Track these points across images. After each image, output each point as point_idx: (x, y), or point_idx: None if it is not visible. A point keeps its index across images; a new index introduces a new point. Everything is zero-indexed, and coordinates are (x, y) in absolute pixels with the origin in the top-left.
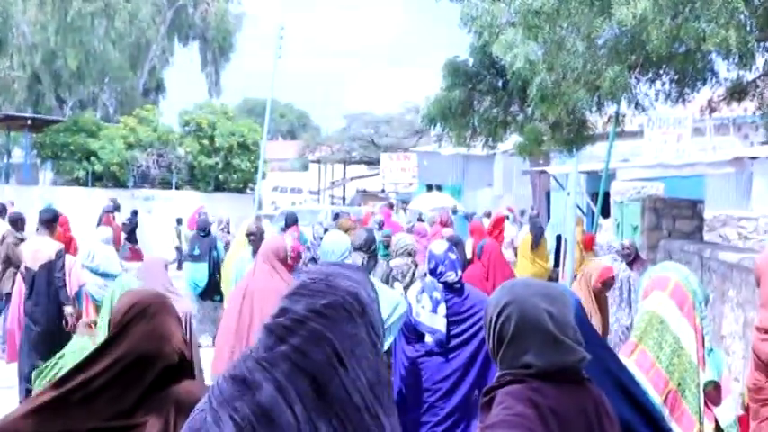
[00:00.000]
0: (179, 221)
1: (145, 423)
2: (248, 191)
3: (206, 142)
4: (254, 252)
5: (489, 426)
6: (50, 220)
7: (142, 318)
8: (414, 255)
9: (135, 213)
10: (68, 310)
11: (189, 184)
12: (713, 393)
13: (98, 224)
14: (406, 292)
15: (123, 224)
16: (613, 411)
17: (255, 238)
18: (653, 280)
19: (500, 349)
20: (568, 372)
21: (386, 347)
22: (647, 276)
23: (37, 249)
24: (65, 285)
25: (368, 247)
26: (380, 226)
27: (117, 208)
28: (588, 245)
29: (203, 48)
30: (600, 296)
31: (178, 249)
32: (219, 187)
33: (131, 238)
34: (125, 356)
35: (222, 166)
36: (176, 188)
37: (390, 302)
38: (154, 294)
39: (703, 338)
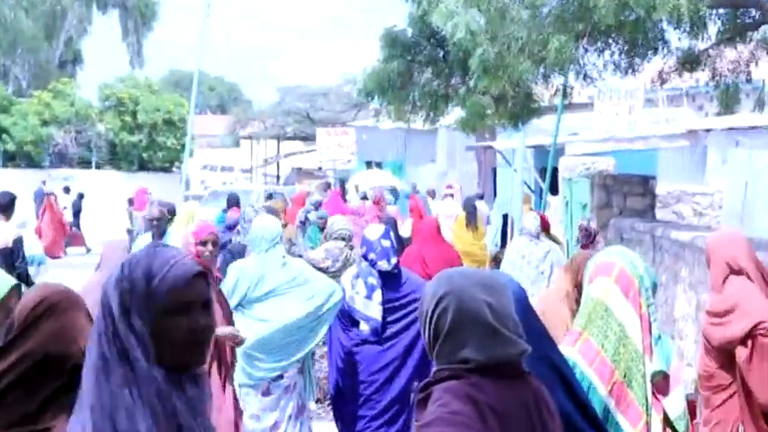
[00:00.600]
0: (130, 202)
1: (52, 428)
2: (175, 170)
3: (128, 118)
4: (157, 238)
5: (425, 424)
6: (6, 205)
7: (51, 314)
8: (349, 239)
9: (81, 196)
10: None
11: (110, 164)
12: (661, 383)
13: (38, 209)
14: (338, 278)
15: (73, 205)
16: (554, 405)
17: (159, 223)
18: (597, 266)
19: (437, 343)
20: (508, 366)
21: (320, 336)
22: (591, 263)
23: None
24: (29, 274)
25: None
26: (317, 207)
27: (67, 190)
28: (545, 226)
29: (124, 16)
30: None
31: (130, 232)
32: (143, 166)
33: (76, 221)
34: (30, 355)
35: (146, 144)
36: (96, 168)
37: (325, 290)
38: (64, 290)
39: (650, 326)
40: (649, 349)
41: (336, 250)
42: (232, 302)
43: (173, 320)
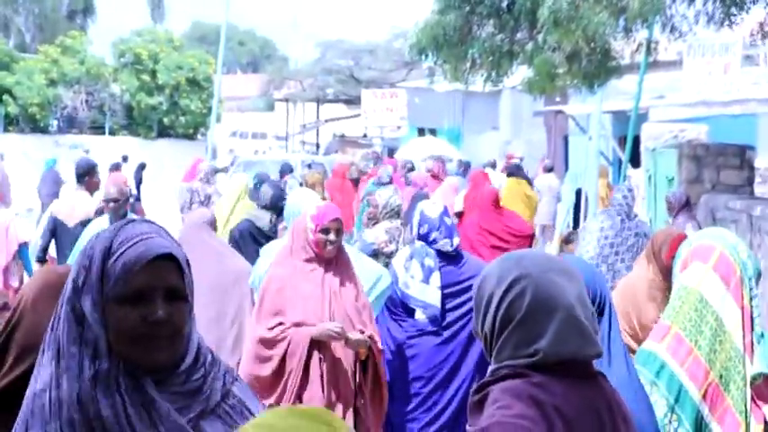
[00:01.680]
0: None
1: None
2: (199, 137)
3: (146, 77)
4: (115, 221)
5: (482, 429)
6: (84, 174)
7: (54, 301)
8: (401, 215)
9: (142, 167)
10: None
11: (126, 129)
12: (763, 388)
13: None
14: (388, 262)
15: (135, 177)
16: (630, 413)
17: (117, 204)
18: (693, 250)
19: (502, 334)
20: (580, 365)
21: None
22: (686, 245)
23: (74, 205)
24: None
25: (274, 205)
26: (390, 181)
27: (125, 159)
28: None
29: None
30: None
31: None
32: (164, 132)
33: (137, 195)
34: (32, 349)
35: (167, 107)
36: (110, 134)
37: (371, 275)
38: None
39: (752, 321)
40: (750, 348)
41: (396, 230)
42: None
43: (124, 308)
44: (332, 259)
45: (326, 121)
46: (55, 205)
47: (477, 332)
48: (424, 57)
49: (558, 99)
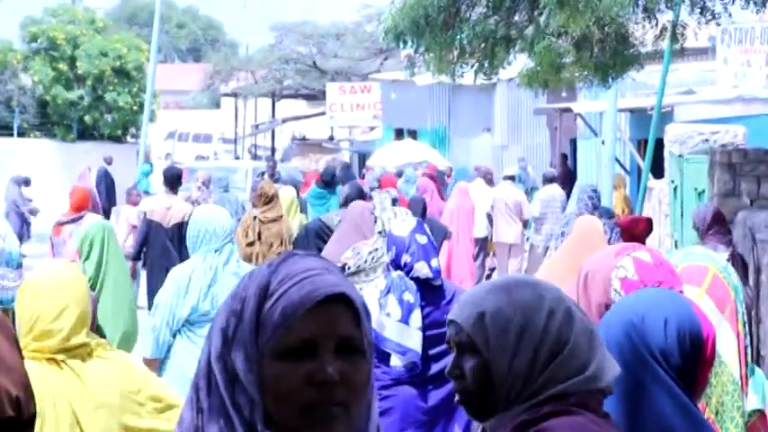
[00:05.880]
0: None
1: None
2: (130, 139)
3: (64, 66)
4: None
5: None
6: (175, 181)
7: None
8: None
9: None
10: None
11: (39, 130)
12: (758, 425)
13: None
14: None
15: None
16: None
17: None
18: (683, 271)
19: (547, 367)
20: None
21: None
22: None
23: (169, 207)
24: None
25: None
26: (378, 186)
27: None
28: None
29: None
30: None
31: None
32: (86, 133)
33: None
34: None
35: (89, 103)
36: (20, 135)
37: None
38: None
39: (746, 351)
40: (746, 380)
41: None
42: (175, 318)
43: (285, 365)
44: None
45: (284, 120)
46: (145, 207)
47: (497, 378)
48: (401, 43)
49: (564, 95)
